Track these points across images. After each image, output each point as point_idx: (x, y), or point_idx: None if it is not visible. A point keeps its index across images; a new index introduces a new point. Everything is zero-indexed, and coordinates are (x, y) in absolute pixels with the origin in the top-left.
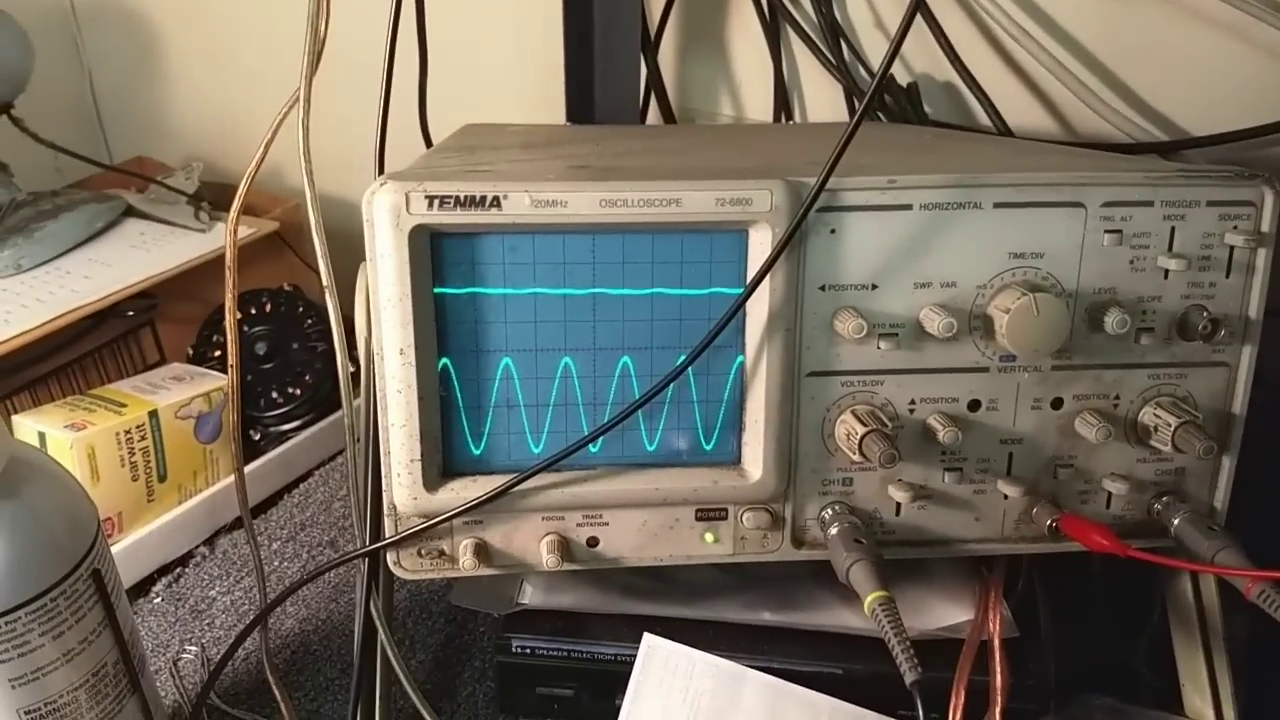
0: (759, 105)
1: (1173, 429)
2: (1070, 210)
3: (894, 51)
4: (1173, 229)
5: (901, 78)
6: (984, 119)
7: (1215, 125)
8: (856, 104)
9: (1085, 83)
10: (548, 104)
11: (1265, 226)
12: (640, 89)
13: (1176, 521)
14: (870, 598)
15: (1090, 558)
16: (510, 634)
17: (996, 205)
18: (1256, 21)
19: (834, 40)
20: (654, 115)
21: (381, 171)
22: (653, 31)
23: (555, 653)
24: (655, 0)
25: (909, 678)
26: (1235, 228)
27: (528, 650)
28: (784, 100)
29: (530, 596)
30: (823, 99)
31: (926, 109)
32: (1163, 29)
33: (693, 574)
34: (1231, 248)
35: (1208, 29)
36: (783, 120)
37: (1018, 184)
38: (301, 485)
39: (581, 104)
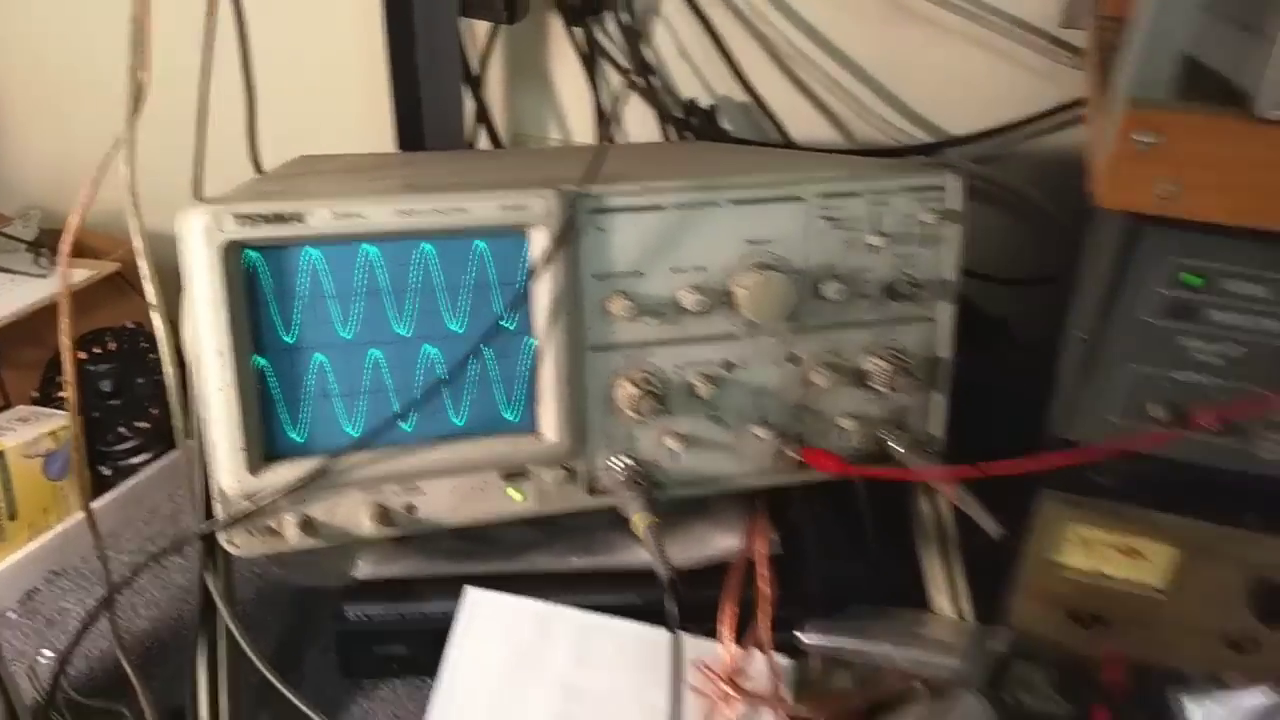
0: (584, 128)
1: (889, 374)
2: (792, 204)
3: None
4: (879, 212)
5: (709, 100)
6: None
7: (973, 126)
8: (665, 126)
9: (858, 97)
10: (383, 135)
11: (952, 205)
12: (463, 118)
13: (901, 450)
14: (639, 520)
15: (854, 487)
16: (346, 604)
17: (732, 202)
18: (1000, 37)
19: (642, 70)
20: (485, 141)
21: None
22: (475, 66)
23: (389, 616)
24: (479, 36)
25: (663, 575)
26: (931, 209)
27: (364, 617)
28: (605, 123)
29: (362, 569)
30: (641, 121)
31: (729, 127)
32: (922, 46)
33: (508, 534)
34: (925, 224)
35: (962, 44)
36: (604, 142)
37: (748, 185)
38: (146, 502)
39: (411, 133)
